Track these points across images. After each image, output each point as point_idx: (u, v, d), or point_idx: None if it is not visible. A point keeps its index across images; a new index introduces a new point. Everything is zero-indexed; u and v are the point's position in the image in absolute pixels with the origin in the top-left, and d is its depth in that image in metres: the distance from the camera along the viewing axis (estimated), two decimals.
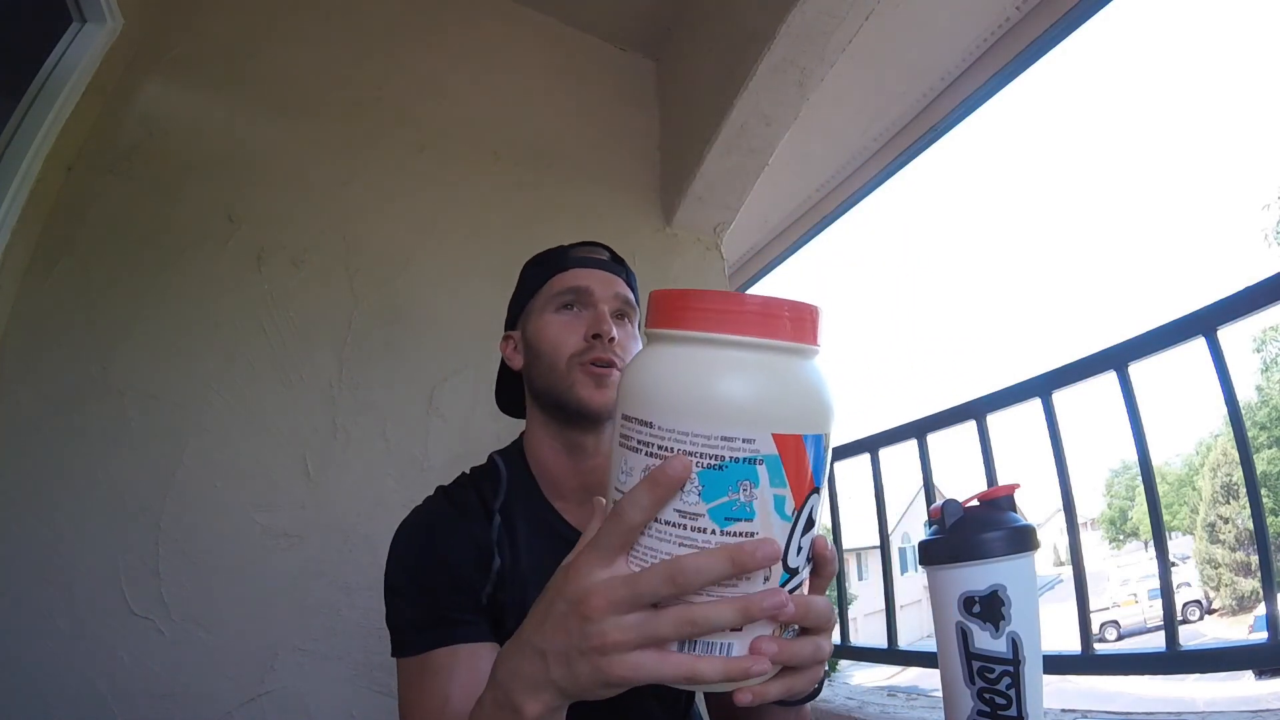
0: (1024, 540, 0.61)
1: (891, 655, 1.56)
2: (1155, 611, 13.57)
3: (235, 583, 1.30)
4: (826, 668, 0.57)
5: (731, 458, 0.37)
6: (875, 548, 1.72)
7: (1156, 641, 1.21)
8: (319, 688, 1.30)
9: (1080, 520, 1.26)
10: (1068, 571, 1.30)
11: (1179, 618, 1.12)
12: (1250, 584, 14.94)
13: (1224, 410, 1.03)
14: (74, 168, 1.35)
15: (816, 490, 0.40)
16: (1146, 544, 20.65)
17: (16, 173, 1.17)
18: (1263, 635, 0.96)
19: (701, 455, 0.37)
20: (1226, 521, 16.06)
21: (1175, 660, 1.05)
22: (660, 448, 0.38)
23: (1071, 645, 1.22)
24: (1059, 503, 1.23)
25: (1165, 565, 1.15)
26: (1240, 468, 1.05)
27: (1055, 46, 1.94)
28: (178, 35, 1.50)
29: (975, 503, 0.65)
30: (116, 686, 1.18)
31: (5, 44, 1.25)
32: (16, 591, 1.16)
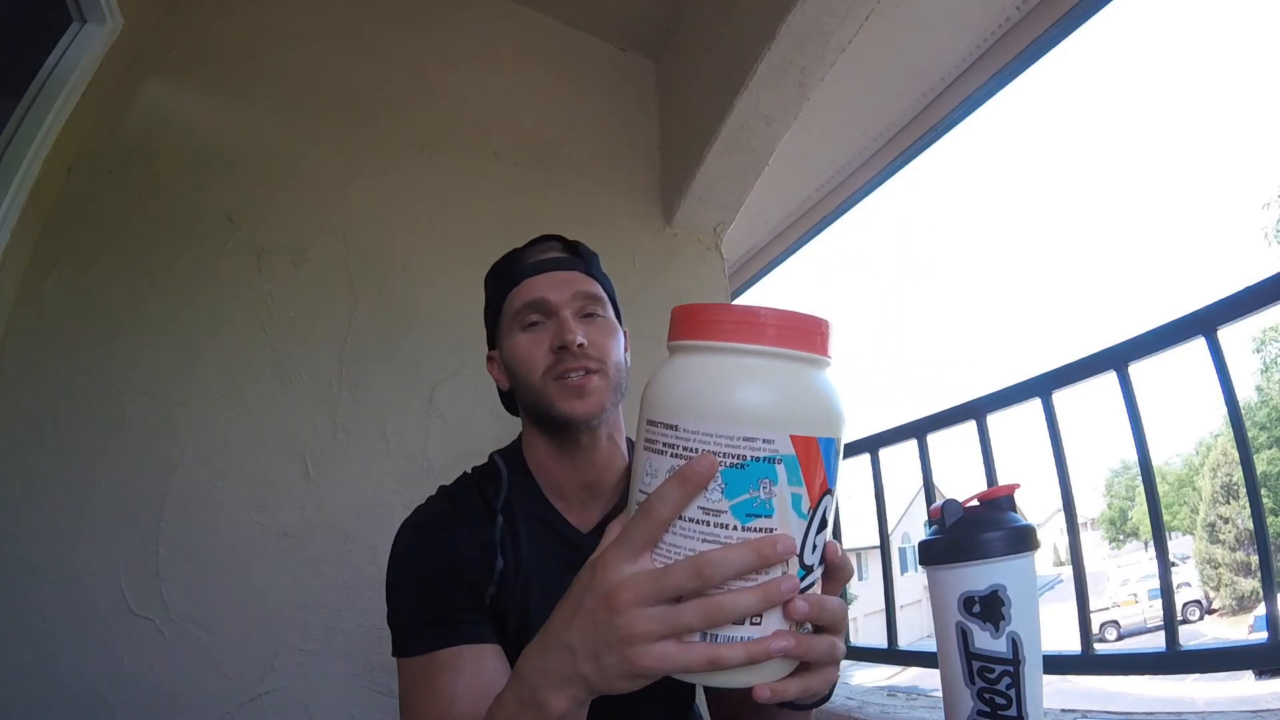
0: (1024, 540, 0.61)
1: (891, 655, 1.56)
2: (1155, 611, 13.57)
3: (235, 583, 1.30)
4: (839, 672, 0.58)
5: (752, 457, 0.40)
6: (875, 548, 1.72)
7: (1156, 641, 1.21)
8: (319, 688, 1.30)
9: (1080, 520, 1.26)
10: (1068, 571, 1.30)
11: (1179, 618, 1.12)
12: (1250, 584, 14.95)
13: (1224, 410, 1.03)
14: (74, 168, 1.35)
15: (830, 492, 0.43)
16: (1146, 544, 20.65)
17: (16, 173, 1.17)
18: (1263, 635, 0.96)
19: (725, 455, 0.40)
20: (1226, 521, 16.06)
21: (1175, 660, 1.05)
22: (685, 449, 0.41)
23: (1071, 645, 1.22)
24: (1059, 503, 1.23)
25: (1165, 565, 1.15)
26: (1240, 468, 1.05)
27: (1055, 46, 1.94)
28: (178, 35, 1.50)
29: (975, 503, 0.65)
30: (116, 686, 1.18)
31: (5, 44, 1.24)
32: (16, 591, 1.16)
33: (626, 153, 1.97)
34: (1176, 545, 19.63)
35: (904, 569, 15.49)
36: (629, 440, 0.87)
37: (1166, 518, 3.30)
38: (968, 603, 0.60)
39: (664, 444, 0.42)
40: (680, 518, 0.41)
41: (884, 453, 1.67)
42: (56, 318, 1.29)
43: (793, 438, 0.40)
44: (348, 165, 1.61)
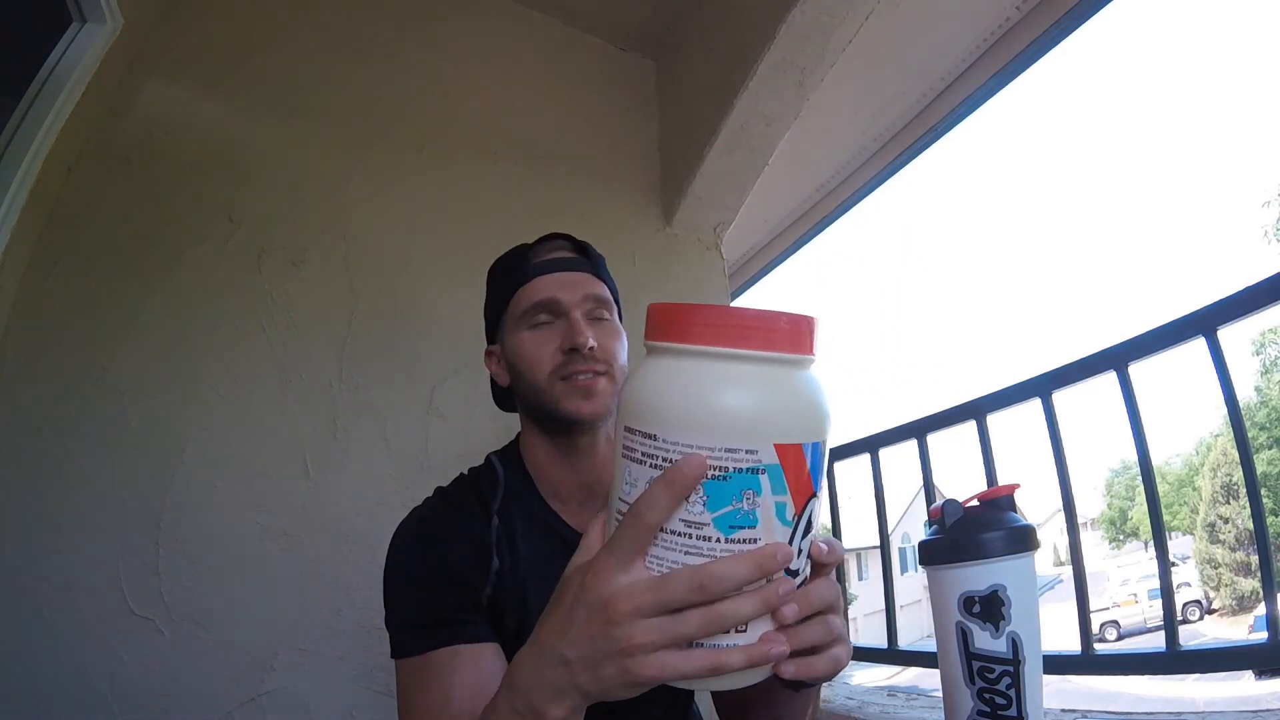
0: (1024, 540, 0.61)
1: (891, 655, 1.56)
2: (1155, 611, 13.57)
3: (235, 583, 1.30)
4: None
5: (735, 468, 0.39)
6: (875, 548, 1.72)
7: (1156, 641, 1.21)
8: (319, 688, 1.30)
9: (1080, 520, 1.26)
10: (1068, 571, 1.30)
11: (1179, 618, 1.12)
12: (1250, 584, 14.94)
13: (1224, 410, 1.03)
14: (74, 168, 1.35)
15: (815, 495, 0.42)
16: (1146, 544, 20.65)
17: (16, 173, 1.17)
18: (1263, 635, 0.96)
19: (709, 464, 0.38)
20: (1226, 521, 16.05)
21: (1175, 660, 1.05)
22: (665, 459, 0.39)
23: (1071, 645, 1.22)
24: (1059, 503, 1.23)
25: (1165, 565, 1.15)
26: (1240, 468, 1.05)
27: (1055, 46, 1.94)
28: (178, 35, 1.50)
29: (975, 503, 0.65)
30: (116, 686, 1.18)
31: (5, 44, 1.24)
32: (16, 591, 1.16)
33: (626, 153, 1.97)
34: (1176, 545, 19.62)
35: (904, 569, 15.48)
36: None
37: (1166, 518, 3.30)
38: (968, 603, 0.60)
39: (643, 454, 0.41)
40: (663, 529, 0.40)
41: (884, 453, 1.67)
42: (56, 318, 1.29)
43: (776, 446, 0.39)
44: (348, 165, 1.61)
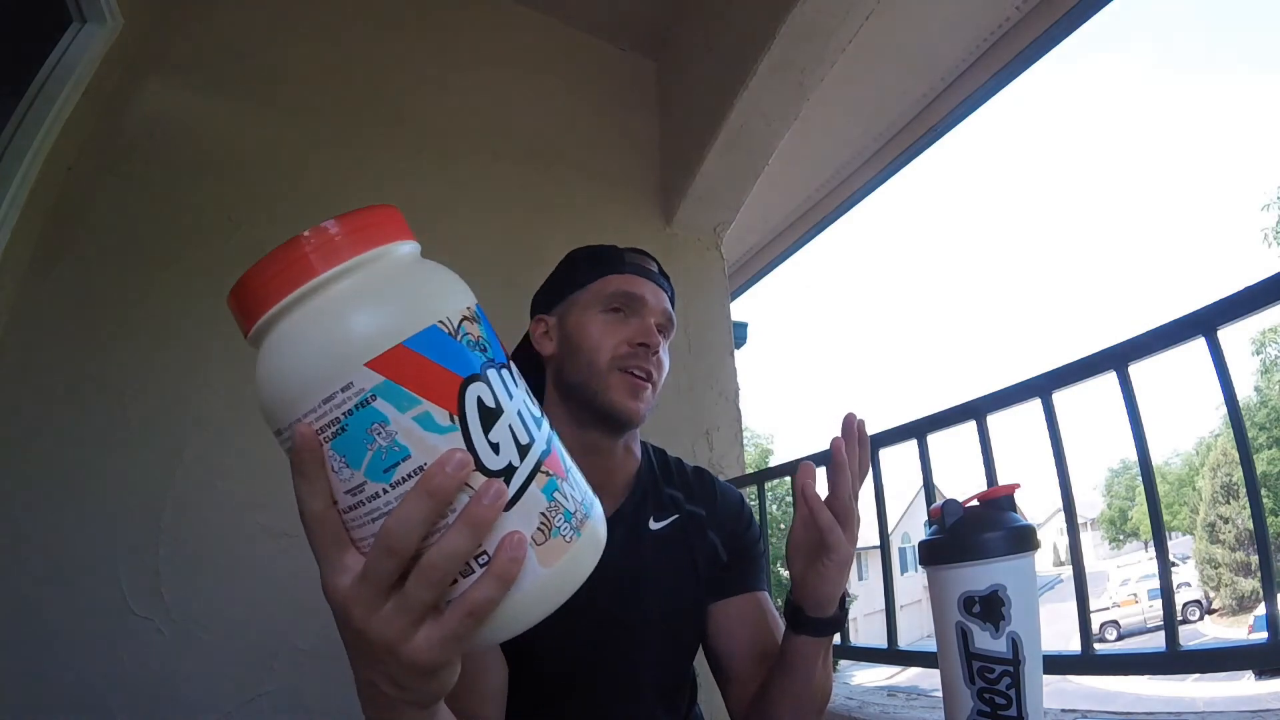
0: (1024, 540, 0.61)
1: (891, 655, 1.55)
2: (1155, 611, 13.58)
3: (235, 583, 1.30)
4: None
5: (344, 413, 0.34)
6: (875, 548, 1.72)
7: (1156, 641, 1.21)
8: (319, 688, 1.30)
9: (1080, 520, 1.26)
10: (1068, 571, 1.30)
11: (1179, 618, 1.12)
12: (1250, 584, 14.95)
13: (1224, 410, 1.03)
14: (74, 168, 1.35)
15: (475, 377, 0.36)
16: (1146, 544, 20.66)
17: (16, 173, 1.17)
18: (1263, 635, 0.95)
19: (322, 429, 0.35)
20: (1226, 521, 16.06)
21: (1175, 660, 1.05)
22: (291, 442, 0.37)
23: (1071, 645, 1.22)
24: (1059, 503, 1.23)
25: (1165, 565, 1.14)
26: (1240, 468, 1.05)
27: (1055, 46, 1.94)
28: (178, 35, 1.50)
29: (975, 503, 0.65)
30: (116, 686, 1.18)
31: (5, 44, 1.24)
32: (16, 591, 1.16)
33: (626, 153, 1.97)
34: (1176, 545, 19.64)
35: (904, 569, 15.49)
36: (651, 446, 0.93)
37: (1166, 518, 3.31)
38: (968, 603, 0.60)
39: (286, 451, 0.38)
40: (343, 511, 0.36)
41: (884, 453, 1.67)
42: (56, 318, 1.29)
43: (369, 366, 0.34)
44: (348, 165, 1.61)
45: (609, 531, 0.79)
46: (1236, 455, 1.07)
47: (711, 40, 1.75)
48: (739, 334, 2.17)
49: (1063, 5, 1.83)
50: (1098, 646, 1.17)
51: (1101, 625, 14.83)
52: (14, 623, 1.15)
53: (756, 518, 0.97)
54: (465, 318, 0.38)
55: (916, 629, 13.35)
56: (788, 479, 1.94)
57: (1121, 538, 27.06)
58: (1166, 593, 1.12)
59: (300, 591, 1.34)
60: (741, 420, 1.96)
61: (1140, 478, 1.20)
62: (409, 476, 0.34)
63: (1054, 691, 0.78)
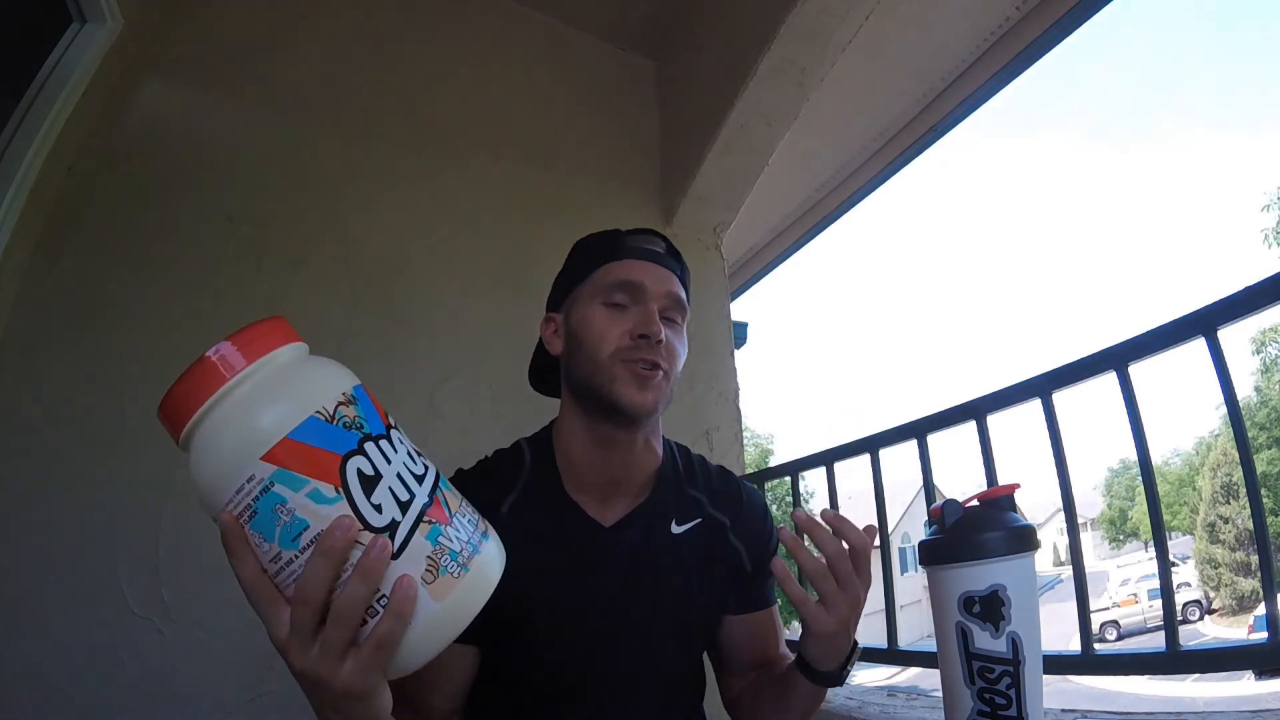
0: (1024, 540, 0.61)
1: (891, 655, 1.55)
2: (1155, 611, 13.58)
3: (235, 583, 1.30)
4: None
5: (253, 499, 0.42)
6: (875, 548, 1.71)
7: (1156, 641, 1.21)
8: None
9: (1080, 520, 1.26)
10: (1068, 571, 1.30)
11: (1179, 618, 1.12)
12: (1250, 584, 14.95)
13: (1224, 410, 1.03)
14: (74, 167, 1.35)
15: (353, 452, 0.43)
16: (1146, 544, 20.65)
17: (16, 173, 1.17)
18: (1263, 635, 0.95)
19: (240, 514, 0.43)
20: (1226, 521, 16.06)
21: (1175, 660, 1.05)
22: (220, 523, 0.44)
23: (1071, 645, 1.22)
24: (1059, 503, 1.23)
25: (1165, 565, 1.14)
26: (1240, 468, 1.05)
27: (1055, 47, 1.94)
28: (178, 35, 1.50)
29: (975, 503, 0.65)
30: (116, 686, 1.18)
31: (5, 44, 1.24)
32: (16, 591, 1.16)
33: (626, 153, 1.97)
34: (1176, 545, 19.64)
35: (904, 569, 15.49)
36: (674, 443, 0.90)
37: (1166, 518, 3.30)
38: (968, 603, 0.60)
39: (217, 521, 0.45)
40: (271, 576, 0.44)
41: (884, 453, 1.67)
42: (56, 318, 1.29)
43: (263, 459, 0.42)
44: (348, 165, 1.61)
45: (622, 530, 0.82)
46: (1236, 455, 1.07)
47: (711, 40, 1.75)
48: (739, 334, 2.17)
49: (1063, 5, 1.83)
50: (1098, 646, 1.17)
51: (1101, 625, 14.83)
52: (14, 623, 1.15)
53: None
54: (341, 403, 0.45)
55: (916, 629, 13.34)
56: (787, 479, 1.94)
57: (1121, 538, 27.07)
58: (1166, 593, 1.12)
59: None
60: (741, 420, 1.96)
61: (1140, 478, 1.20)
62: (312, 542, 0.42)
63: (1054, 691, 0.78)
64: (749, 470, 2.02)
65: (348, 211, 1.58)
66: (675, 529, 0.82)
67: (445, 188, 1.70)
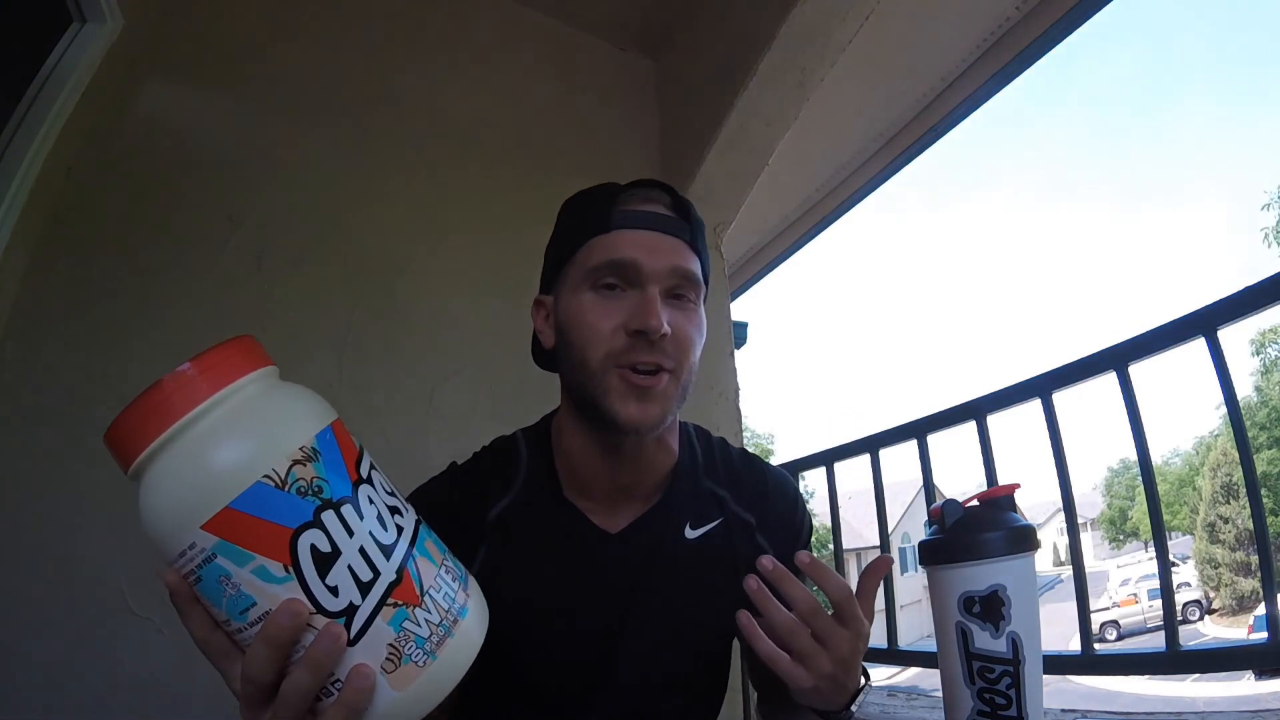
0: (1024, 540, 0.61)
1: (891, 655, 1.56)
2: (1155, 611, 13.57)
3: None
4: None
5: (196, 566, 0.38)
6: (875, 548, 1.72)
7: (1156, 641, 1.21)
8: None
9: (1080, 520, 1.26)
10: (1068, 571, 1.30)
11: (1179, 618, 1.12)
12: (1250, 584, 14.95)
13: (1224, 410, 1.03)
14: (74, 168, 1.35)
15: (308, 524, 0.38)
16: (1146, 544, 20.65)
17: (16, 173, 1.17)
18: (1263, 635, 0.96)
19: (186, 575, 0.39)
20: (1226, 521, 16.06)
21: (1175, 660, 1.05)
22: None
23: (1071, 645, 1.22)
24: (1059, 503, 1.23)
25: (1165, 565, 1.15)
26: (1240, 468, 1.05)
27: (1055, 46, 1.94)
28: (178, 35, 1.50)
29: (975, 503, 0.65)
30: (116, 686, 1.18)
31: (5, 44, 1.24)
32: (17, 591, 1.16)
33: (626, 153, 1.97)
34: (1176, 545, 19.63)
35: (904, 569, 15.48)
36: (693, 428, 0.78)
37: (1166, 518, 3.31)
38: (968, 603, 0.60)
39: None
40: (225, 632, 0.41)
41: (884, 453, 1.67)
42: (56, 318, 1.29)
43: (204, 528, 0.37)
44: (348, 165, 1.61)
45: (628, 538, 0.72)
46: (1236, 455, 1.07)
47: (711, 40, 1.75)
48: (739, 334, 2.17)
49: (1063, 5, 1.83)
50: (1098, 646, 1.17)
51: (1101, 625, 14.83)
52: (14, 623, 1.15)
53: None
54: (297, 461, 0.38)
55: (916, 629, 13.34)
56: None
57: (1121, 538, 27.07)
58: (1166, 593, 1.13)
59: None
60: (741, 420, 1.95)
61: (1140, 478, 1.20)
62: (259, 619, 0.37)
63: (1054, 691, 0.78)
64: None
65: (347, 211, 1.58)
66: (690, 533, 0.72)
67: (445, 187, 1.70)
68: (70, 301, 1.30)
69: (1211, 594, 16.36)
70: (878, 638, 1.52)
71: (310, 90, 1.61)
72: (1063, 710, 1.20)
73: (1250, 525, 1.08)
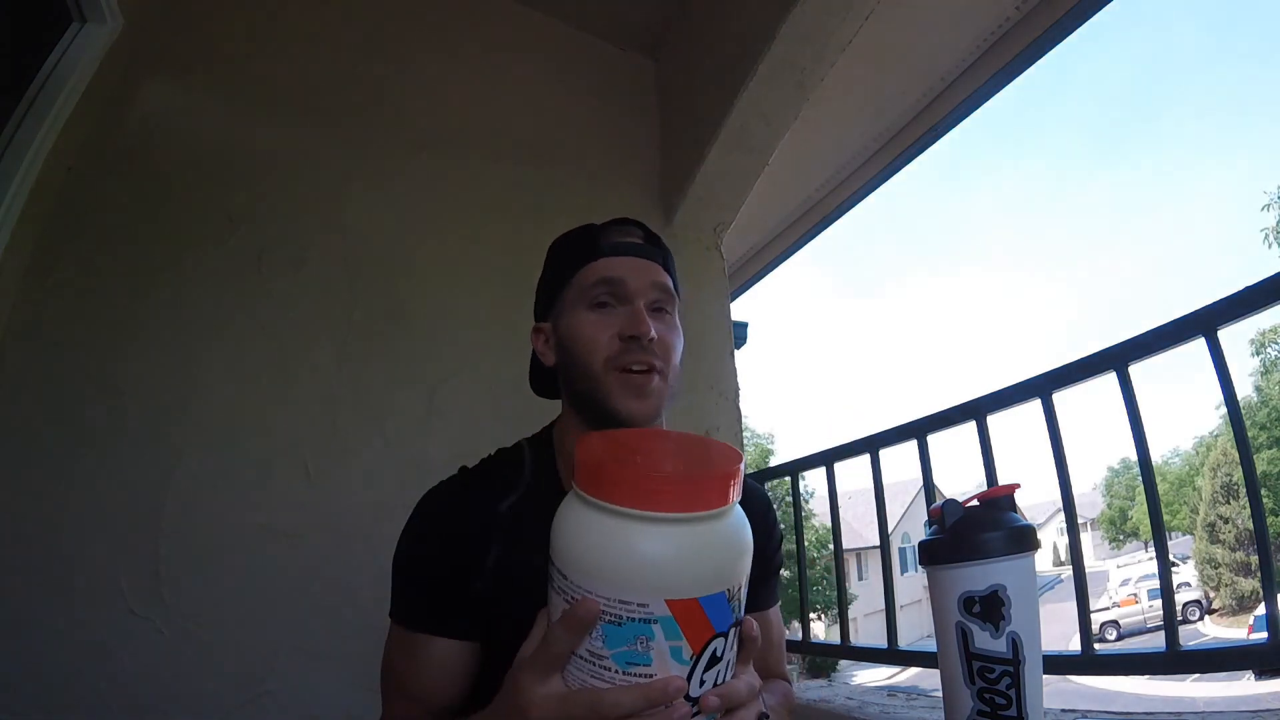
0: (1024, 540, 0.61)
1: (891, 655, 1.55)
2: (1155, 611, 13.58)
3: (235, 583, 1.30)
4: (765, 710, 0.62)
5: (629, 617, 0.43)
6: (875, 548, 1.71)
7: (1156, 641, 1.21)
8: (319, 688, 1.30)
9: (1080, 520, 1.26)
10: (1068, 571, 1.30)
11: (1179, 618, 1.12)
12: (1250, 584, 14.94)
13: (1224, 410, 1.03)
14: (74, 168, 1.35)
15: (721, 635, 0.45)
16: (1146, 544, 20.66)
17: (16, 173, 1.17)
18: (1263, 635, 0.95)
19: (605, 611, 0.44)
20: (1226, 521, 16.05)
21: (1175, 660, 1.05)
22: (570, 599, 0.45)
23: (1071, 645, 1.22)
24: (1059, 503, 1.23)
25: (1165, 565, 1.14)
26: (1240, 468, 1.05)
27: (1055, 46, 1.94)
28: (178, 35, 1.50)
29: (975, 503, 0.65)
30: (116, 686, 1.18)
31: (5, 44, 1.24)
32: (17, 592, 1.16)
33: (626, 153, 1.97)
34: (1176, 545, 19.64)
35: (904, 569, 15.50)
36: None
37: (1166, 518, 3.31)
38: (968, 603, 0.60)
39: (559, 587, 0.46)
40: (576, 653, 0.46)
41: (884, 453, 1.67)
42: (56, 318, 1.29)
43: (669, 602, 0.42)
44: (348, 165, 1.61)
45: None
46: (1236, 455, 1.07)
47: (711, 40, 1.75)
48: (739, 334, 2.16)
49: (1063, 5, 1.83)
50: (1098, 646, 1.17)
51: (1101, 625, 14.83)
52: (14, 622, 1.15)
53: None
54: (740, 584, 0.46)
55: (916, 629, 13.34)
56: (787, 479, 1.94)
57: (1121, 538, 27.06)
58: (1166, 593, 1.12)
59: (301, 592, 1.34)
60: (741, 420, 1.95)
61: (1140, 478, 1.20)
62: (639, 675, 0.44)
63: (1054, 691, 0.78)
64: (749, 470, 2.02)
65: (348, 211, 1.58)
66: None
67: (445, 187, 1.70)
68: (70, 302, 1.30)
69: (1211, 594, 16.36)
70: (878, 638, 1.52)
71: (310, 90, 1.61)
72: (1063, 710, 1.20)
73: (1250, 525, 1.08)
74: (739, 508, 0.48)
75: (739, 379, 1.95)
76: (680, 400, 0.81)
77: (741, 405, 1.95)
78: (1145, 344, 1.13)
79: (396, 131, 1.68)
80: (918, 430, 1.54)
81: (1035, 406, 1.29)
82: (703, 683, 0.45)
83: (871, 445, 1.66)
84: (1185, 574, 16.73)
